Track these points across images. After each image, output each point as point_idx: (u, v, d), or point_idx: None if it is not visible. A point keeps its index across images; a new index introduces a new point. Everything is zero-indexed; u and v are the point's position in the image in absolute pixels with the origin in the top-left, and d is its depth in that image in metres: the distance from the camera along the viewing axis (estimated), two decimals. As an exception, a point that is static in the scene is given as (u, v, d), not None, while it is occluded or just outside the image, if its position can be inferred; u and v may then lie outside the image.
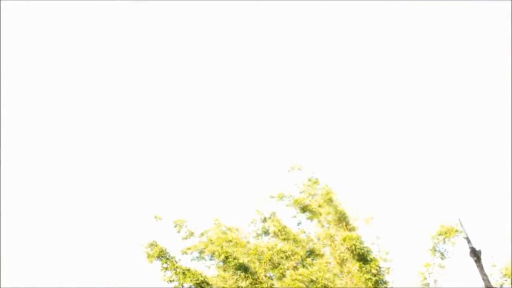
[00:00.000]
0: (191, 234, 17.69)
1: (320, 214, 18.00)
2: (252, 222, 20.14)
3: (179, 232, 17.52)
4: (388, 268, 17.14)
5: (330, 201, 17.97)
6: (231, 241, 18.90)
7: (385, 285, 16.44)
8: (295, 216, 19.17)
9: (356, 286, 16.32)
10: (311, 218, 18.59)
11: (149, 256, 16.04)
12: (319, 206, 18.11)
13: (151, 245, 16.26)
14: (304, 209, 18.65)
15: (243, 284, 17.72)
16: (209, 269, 17.58)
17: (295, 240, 18.84)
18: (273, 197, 19.67)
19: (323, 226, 18.13)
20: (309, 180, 18.70)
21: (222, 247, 18.22)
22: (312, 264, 17.90)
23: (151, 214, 17.08)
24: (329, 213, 17.81)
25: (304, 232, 19.50)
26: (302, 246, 19.19)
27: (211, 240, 18.46)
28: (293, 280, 17.55)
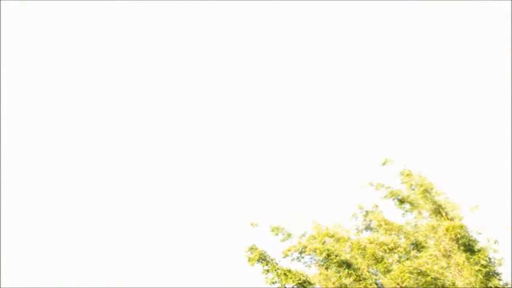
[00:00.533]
0: (289, 235, 17.94)
1: (419, 205, 17.35)
2: (353, 216, 19.97)
3: (276, 235, 17.85)
4: (501, 259, 16.04)
5: (426, 191, 17.24)
6: (333, 236, 18.87)
7: (498, 277, 15.41)
8: (398, 208, 18.71)
9: (465, 278, 15.50)
10: (410, 210, 18.00)
11: (250, 259, 16.54)
12: (418, 197, 17.46)
13: (251, 248, 16.75)
14: (402, 200, 18.13)
15: (347, 281, 17.64)
16: (310, 268, 17.73)
17: (397, 233, 18.39)
18: (372, 185, 19.34)
19: (423, 217, 17.45)
20: (402, 173, 18.11)
21: (323, 244, 18.27)
22: (417, 256, 17.33)
23: (247, 221, 17.62)
24: (427, 203, 17.10)
25: (408, 223, 18.96)
26: (407, 238, 18.68)
27: (313, 236, 18.56)
28: (401, 272, 17.12)
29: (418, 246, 18.01)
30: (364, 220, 19.93)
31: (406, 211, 18.21)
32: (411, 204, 17.93)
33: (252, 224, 17.55)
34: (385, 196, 18.56)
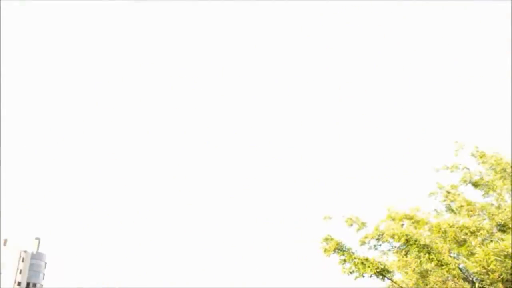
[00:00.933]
0: (364, 224, 17.76)
1: (497, 186, 16.48)
2: (432, 194, 19.38)
3: (351, 225, 17.72)
4: None
5: (504, 171, 16.33)
6: (411, 218, 18.44)
7: None
8: (475, 189, 17.92)
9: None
10: (488, 191, 17.15)
11: (325, 250, 16.62)
12: (496, 177, 16.59)
13: (326, 239, 16.82)
14: (477, 183, 17.33)
15: (428, 266, 17.26)
16: (388, 256, 17.51)
17: (479, 214, 17.63)
18: (447, 168, 18.67)
19: (504, 199, 16.57)
20: (476, 154, 17.25)
21: (401, 229, 17.92)
22: (502, 238, 16.55)
23: (320, 214, 17.64)
24: (505, 184, 16.20)
25: (492, 204, 18.12)
26: (492, 219, 17.87)
27: (390, 218, 18.23)
28: (486, 255, 16.49)
29: (504, 227, 17.18)
30: (444, 200, 19.28)
31: (485, 192, 17.38)
32: (489, 185, 17.10)
33: (325, 218, 17.55)
34: (462, 178, 17.82)
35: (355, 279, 16.82)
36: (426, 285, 17.88)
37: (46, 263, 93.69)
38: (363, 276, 16.27)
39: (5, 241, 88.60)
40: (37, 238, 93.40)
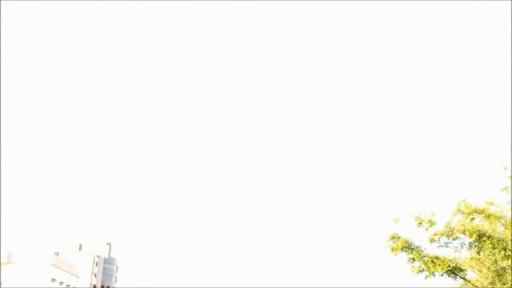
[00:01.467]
0: (432, 223, 16.93)
1: None
2: (505, 189, 18.32)
3: (420, 224, 16.92)
4: None
5: None
6: (482, 212, 17.48)
7: None
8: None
9: None
10: None
11: (393, 249, 16.06)
12: None
13: (393, 237, 16.26)
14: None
15: (504, 263, 16.30)
16: (460, 254, 16.67)
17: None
18: None
19: None
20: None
21: (472, 224, 17.03)
22: None
23: (389, 214, 16.97)
24: None
25: None
26: None
27: (459, 212, 17.33)
28: None
29: None
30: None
31: None
32: None
33: (395, 220, 16.77)
34: None
35: (425, 278, 16.14)
36: (504, 284, 16.89)
37: (117, 267, 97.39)
38: (434, 275, 15.60)
39: (80, 246, 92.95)
40: (108, 244, 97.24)
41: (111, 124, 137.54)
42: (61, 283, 63.04)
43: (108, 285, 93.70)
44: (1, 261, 53.82)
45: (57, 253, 78.35)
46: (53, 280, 60.44)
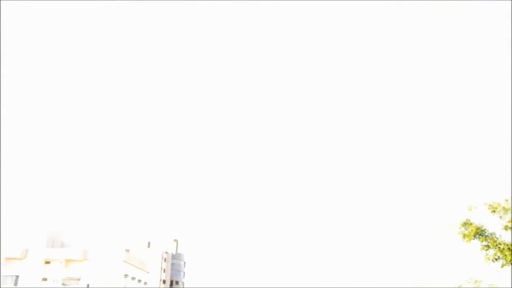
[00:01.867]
0: (507, 210, 15.99)
1: None
2: None
3: (494, 211, 16.00)
4: None
5: None
6: None
7: None
8: None
9: None
10: None
11: (465, 235, 15.37)
12: None
13: (465, 224, 15.55)
14: None
15: None
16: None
17: None
18: None
19: None
20: None
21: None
22: None
23: (461, 202, 16.21)
24: None
25: None
26: None
27: None
28: None
29: None
30: None
31: None
32: None
33: (469, 208, 15.96)
34: None
35: (502, 266, 15.36)
36: None
37: (185, 263, 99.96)
38: (511, 264, 14.77)
39: (149, 243, 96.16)
40: (175, 240, 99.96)
41: (181, 122, 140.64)
42: (133, 278, 65.61)
43: (177, 279, 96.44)
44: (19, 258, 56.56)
45: (127, 250, 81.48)
46: (125, 276, 63.02)
